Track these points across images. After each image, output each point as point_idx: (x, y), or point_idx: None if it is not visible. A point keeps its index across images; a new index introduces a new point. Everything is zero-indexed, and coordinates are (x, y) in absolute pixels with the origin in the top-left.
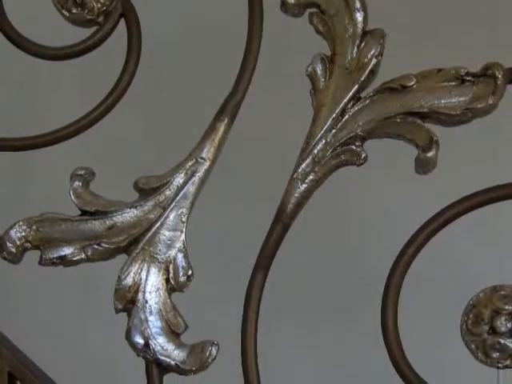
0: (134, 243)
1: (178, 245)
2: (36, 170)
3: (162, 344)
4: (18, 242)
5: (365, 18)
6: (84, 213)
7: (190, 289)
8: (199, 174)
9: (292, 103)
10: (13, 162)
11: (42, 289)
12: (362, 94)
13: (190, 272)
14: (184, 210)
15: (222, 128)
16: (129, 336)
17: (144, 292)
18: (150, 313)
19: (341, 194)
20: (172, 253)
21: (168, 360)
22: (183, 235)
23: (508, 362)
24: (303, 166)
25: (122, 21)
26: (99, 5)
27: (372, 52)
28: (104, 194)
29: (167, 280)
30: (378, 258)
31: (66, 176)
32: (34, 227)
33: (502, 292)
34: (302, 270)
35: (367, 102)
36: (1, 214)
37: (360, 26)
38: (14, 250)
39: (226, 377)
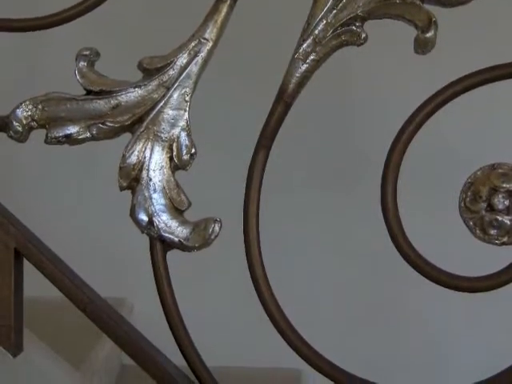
0: (138, 122)
1: (182, 124)
2: (42, 52)
3: (165, 221)
4: (24, 121)
5: None
6: (89, 92)
7: (193, 168)
8: (202, 54)
9: None
10: (13, 43)
11: (45, 170)
12: None
13: (193, 150)
14: (187, 90)
15: (224, 9)
16: (133, 213)
17: (148, 170)
18: (154, 190)
19: (342, 74)
20: (175, 131)
21: (171, 237)
22: (186, 114)
23: (506, 239)
24: (304, 46)
25: None
26: None
27: None
28: (109, 74)
29: (171, 158)
30: (379, 136)
31: (71, 57)
32: (39, 106)
33: (500, 170)
34: (302, 149)
35: None
36: (7, 95)
37: None
38: (20, 128)
39: (228, 253)
